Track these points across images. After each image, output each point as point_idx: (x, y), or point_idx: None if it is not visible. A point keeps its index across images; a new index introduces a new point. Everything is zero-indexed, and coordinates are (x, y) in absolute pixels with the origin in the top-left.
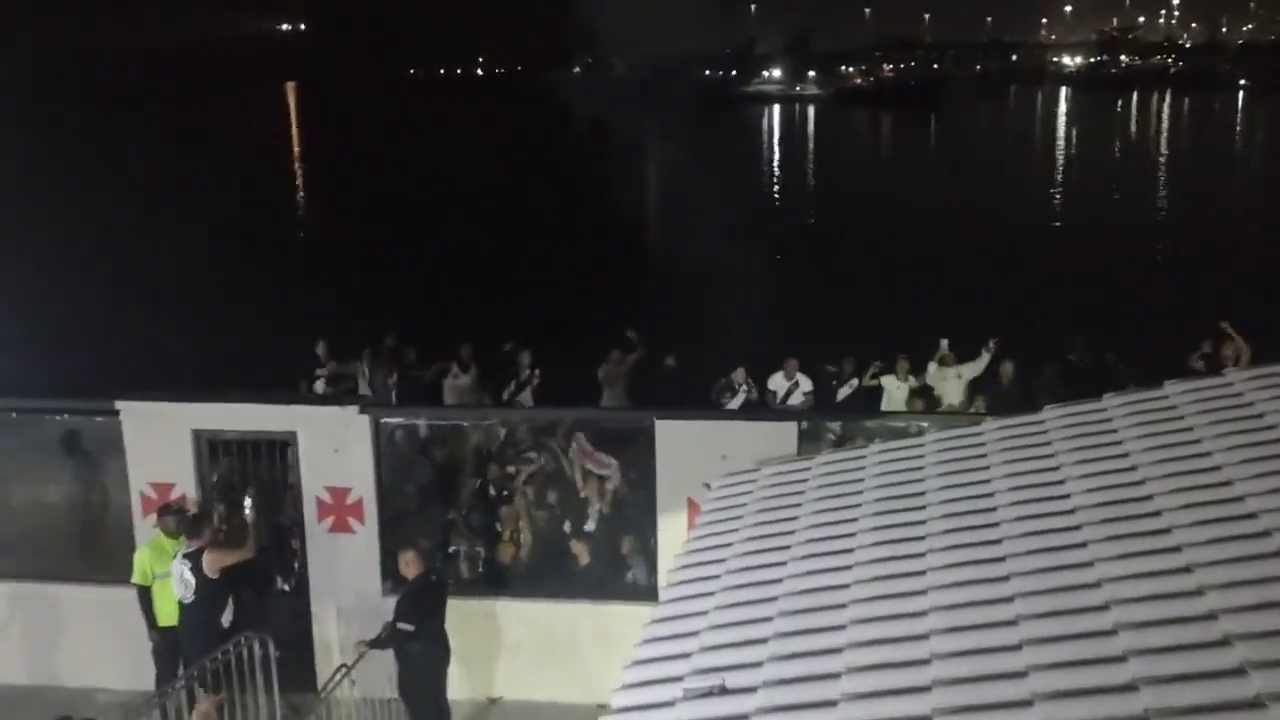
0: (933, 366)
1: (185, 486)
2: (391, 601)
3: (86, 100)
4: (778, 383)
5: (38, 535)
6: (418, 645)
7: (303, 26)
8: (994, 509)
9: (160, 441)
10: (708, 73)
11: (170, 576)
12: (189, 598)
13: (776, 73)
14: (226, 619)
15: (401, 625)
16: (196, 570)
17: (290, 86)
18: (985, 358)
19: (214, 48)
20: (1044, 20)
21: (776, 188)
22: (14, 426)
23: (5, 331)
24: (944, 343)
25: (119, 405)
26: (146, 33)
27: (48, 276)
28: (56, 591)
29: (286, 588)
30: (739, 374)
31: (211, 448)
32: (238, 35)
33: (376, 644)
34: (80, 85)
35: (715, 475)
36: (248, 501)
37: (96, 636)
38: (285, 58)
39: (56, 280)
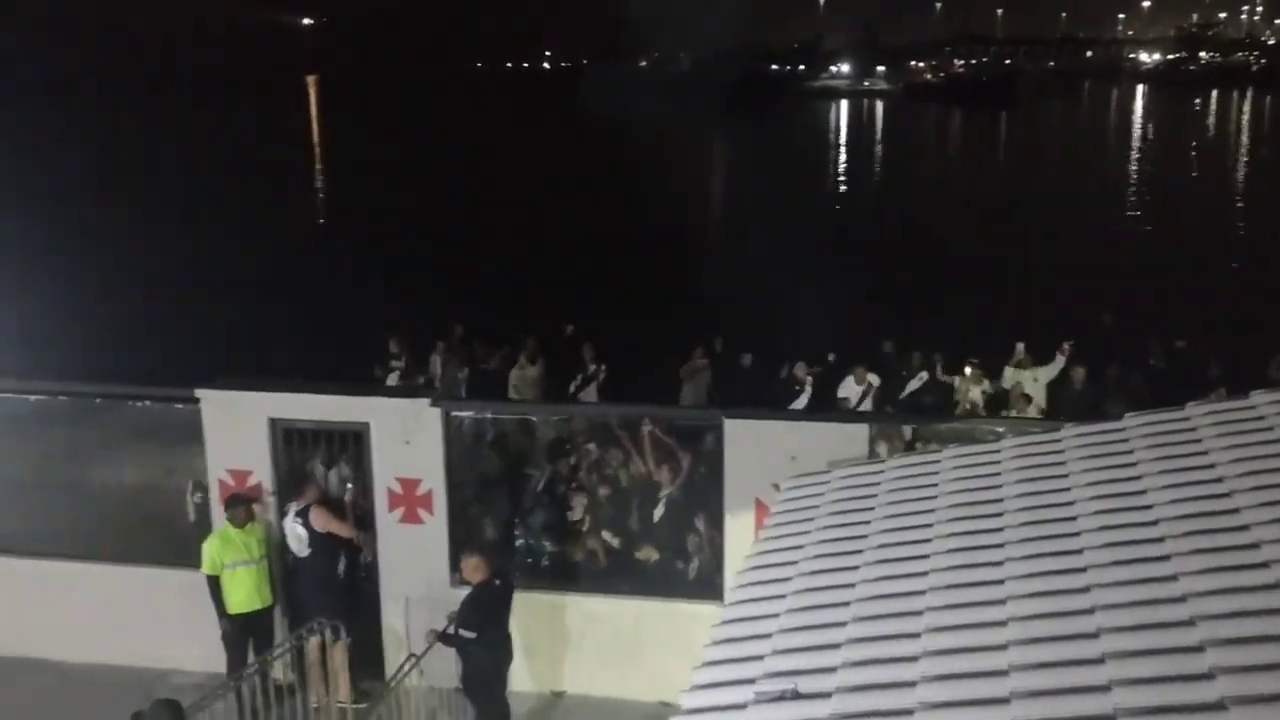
0: (1009, 369)
1: (261, 474)
2: (460, 593)
3: (123, 91)
4: (849, 389)
5: (117, 518)
6: (480, 647)
7: (323, 20)
8: (1074, 518)
9: (238, 429)
10: (774, 67)
11: (287, 534)
12: (305, 551)
13: (844, 67)
14: (341, 569)
15: (464, 632)
16: (308, 525)
17: (314, 80)
18: (1060, 361)
19: (246, 40)
20: (1121, 16)
21: (843, 183)
22: (96, 412)
23: (86, 321)
24: (1020, 346)
25: (199, 393)
26: (178, 22)
27: (119, 270)
28: (134, 574)
29: (360, 575)
30: (800, 369)
31: (287, 436)
32: (272, 28)
33: (443, 639)
34: (113, 75)
35: (784, 476)
36: (348, 488)
37: (173, 619)
38: (328, 51)
39: (125, 274)
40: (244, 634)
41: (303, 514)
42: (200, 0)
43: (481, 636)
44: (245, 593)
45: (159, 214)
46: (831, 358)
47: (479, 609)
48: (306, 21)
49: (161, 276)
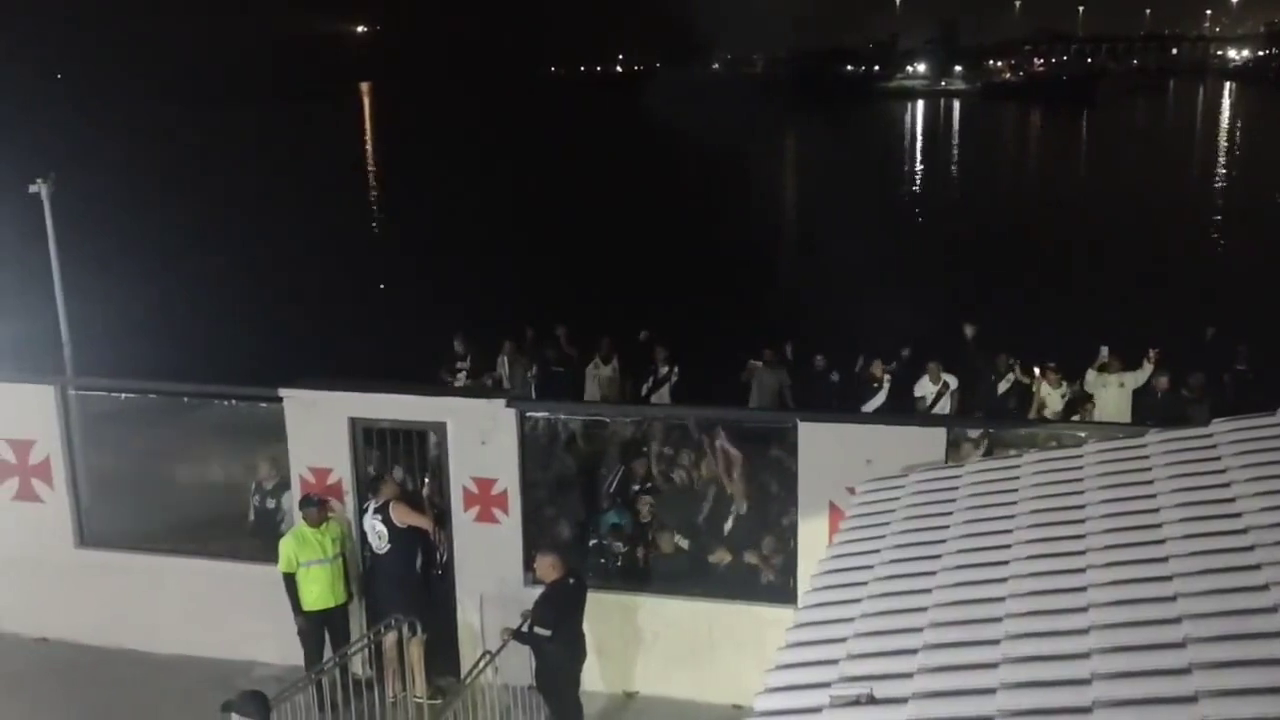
0: (1091, 374)
1: (341, 471)
2: (533, 592)
3: (181, 99)
4: (925, 388)
5: (203, 514)
6: (555, 646)
7: (376, 27)
8: (1159, 525)
9: (319, 428)
10: (849, 68)
11: (366, 531)
12: (384, 548)
13: (921, 67)
14: (419, 565)
15: (539, 630)
16: (387, 521)
17: (372, 86)
18: (1148, 368)
19: (310, 47)
20: (1208, 12)
21: (919, 185)
22: (184, 410)
23: (172, 323)
24: (1104, 350)
25: (282, 392)
26: (254, 29)
27: (183, 274)
28: (219, 568)
29: (436, 573)
30: (876, 367)
31: (366, 435)
32: (326, 35)
33: (518, 636)
34: (179, 84)
35: (859, 479)
36: (425, 482)
37: (255, 613)
38: (389, 58)
39: (190, 277)
40: (319, 630)
41: (381, 510)
42: (257, 9)
43: (556, 634)
44: (320, 590)
45: (228, 219)
46: (905, 352)
47: (554, 607)
48: (360, 29)
49: (230, 281)
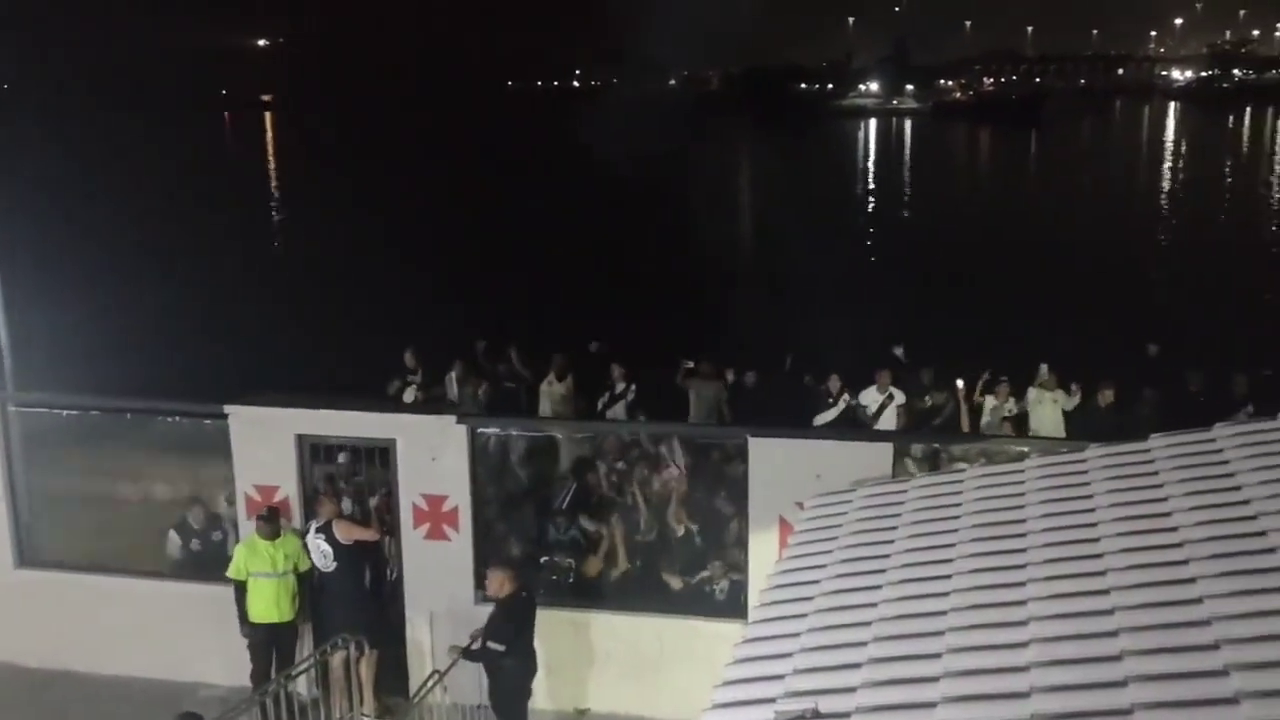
0: (1033, 391)
1: (288, 489)
2: (483, 610)
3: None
4: (871, 396)
5: (147, 533)
6: (510, 660)
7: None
8: (1098, 539)
9: (265, 445)
10: (804, 86)
11: (311, 551)
12: (330, 567)
13: (873, 86)
14: (368, 581)
15: (492, 645)
16: (331, 540)
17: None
18: (1077, 397)
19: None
20: (1153, 33)
21: (871, 203)
22: (127, 427)
23: (108, 336)
24: (1044, 367)
25: (227, 409)
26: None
27: (140, 286)
28: (163, 588)
29: (384, 592)
30: (833, 382)
31: (314, 452)
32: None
33: (468, 654)
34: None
35: (808, 494)
36: (373, 500)
37: (200, 633)
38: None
39: (152, 289)
40: (266, 642)
41: (324, 529)
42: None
43: (511, 649)
44: (264, 604)
45: (157, 231)
46: (903, 351)
47: (509, 622)
48: (262, 42)
49: (171, 295)
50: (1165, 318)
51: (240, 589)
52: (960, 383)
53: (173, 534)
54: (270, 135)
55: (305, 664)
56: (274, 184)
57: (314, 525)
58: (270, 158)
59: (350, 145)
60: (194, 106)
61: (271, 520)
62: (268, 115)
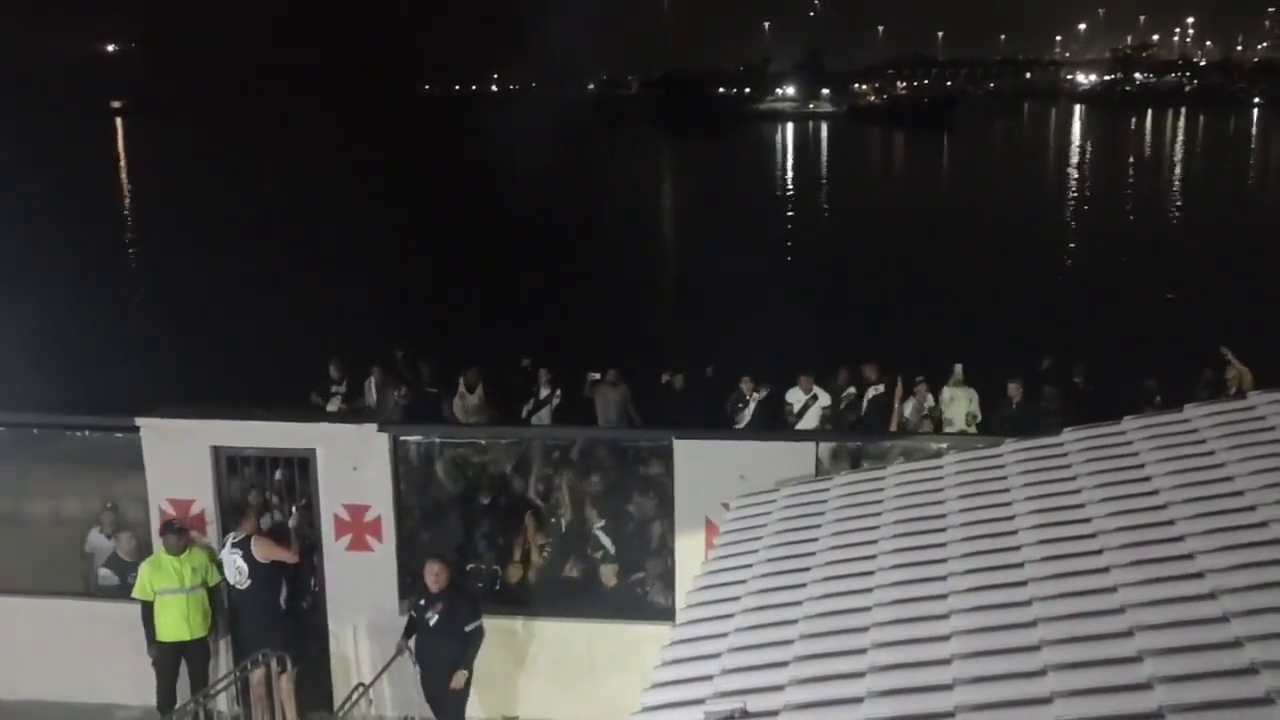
0: (946, 390)
1: (204, 502)
2: (399, 622)
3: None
4: (795, 396)
5: (57, 550)
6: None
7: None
8: (1015, 531)
9: (180, 458)
10: (721, 90)
11: (225, 565)
12: (244, 584)
13: (790, 90)
14: (283, 600)
15: (470, 628)
16: (248, 557)
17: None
18: (974, 396)
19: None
20: (1058, 38)
21: (790, 206)
22: (34, 442)
23: (22, 351)
24: (958, 367)
25: (139, 422)
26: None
27: (55, 296)
28: (73, 607)
29: (305, 605)
30: (745, 383)
31: (231, 464)
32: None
33: (469, 663)
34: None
35: (734, 495)
36: (293, 511)
37: (112, 652)
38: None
39: (65, 300)
40: (173, 662)
41: (241, 545)
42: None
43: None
44: (173, 621)
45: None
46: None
47: (466, 598)
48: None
49: (89, 303)
50: (1070, 313)
51: (147, 609)
52: (900, 382)
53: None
54: (127, 141)
55: (225, 681)
56: (154, 193)
57: (231, 539)
58: (123, 165)
59: (238, 150)
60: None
61: (178, 534)
62: (118, 121)
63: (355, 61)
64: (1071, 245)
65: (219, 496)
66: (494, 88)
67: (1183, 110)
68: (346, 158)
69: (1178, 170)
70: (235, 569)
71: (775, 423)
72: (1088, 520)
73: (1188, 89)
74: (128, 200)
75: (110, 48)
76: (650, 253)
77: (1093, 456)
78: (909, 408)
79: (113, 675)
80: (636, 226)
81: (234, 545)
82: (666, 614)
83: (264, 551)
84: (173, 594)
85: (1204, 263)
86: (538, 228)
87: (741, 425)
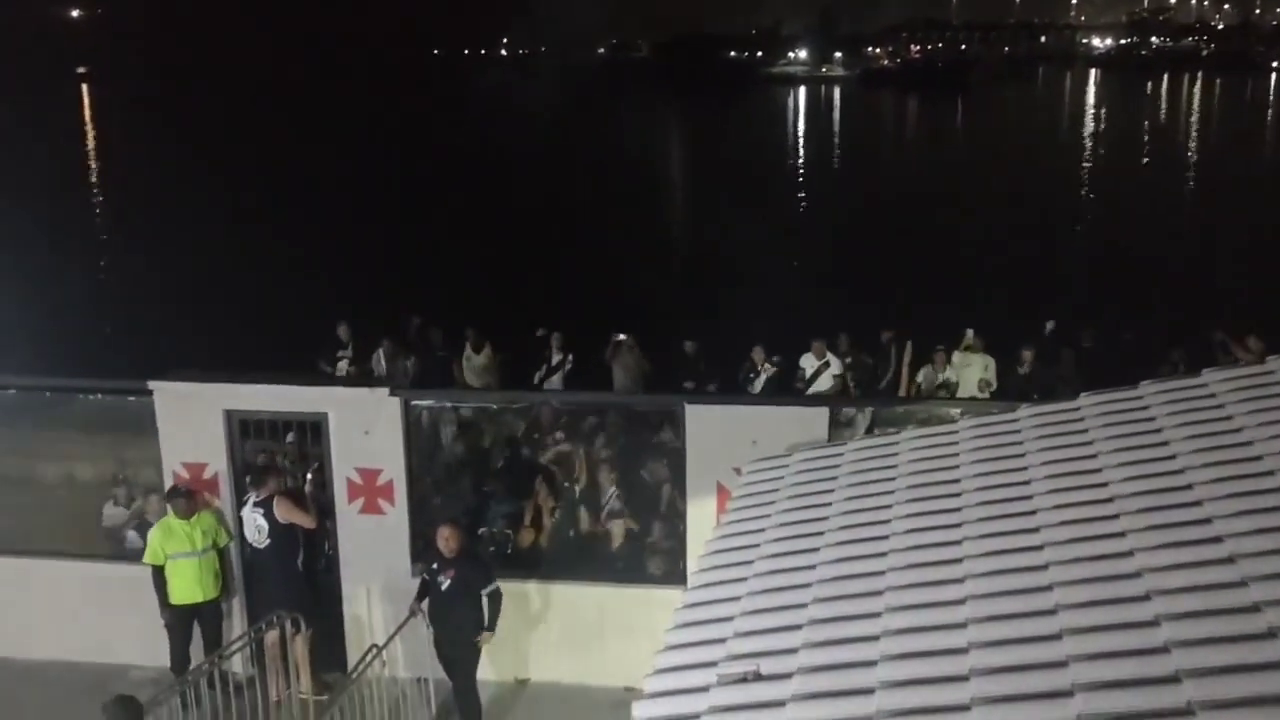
0: (957, 354)
1: (217, 466)
2: (412, 584)
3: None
4: (807, 362)
5: (70, 514)
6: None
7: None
8: (1031, 497)
9: (192, 421)
10: (732, 54)
11: (245, 523)
12: (263, 543)
13: (802, 54)
14: (300, 562)
15: (487, 591)
16: (269, 516)
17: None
18: (991, 363)
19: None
20: (1073, 1)
21: (801, 171)
22: (48, 406)
23: (37, 315)
24: (969, 332)
25: (152, 385)
26: None
27: (68, 265)
28: (89, 569)
29: (320, 567)
30: (757, 353)
31: (244, 428)
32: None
33: (492, 624)
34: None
35: (745, 460)
36: (308, 478)
37: (128, 614)
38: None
39: (79, 269)
40: (186, 625)
41: (264, 504)
42: None
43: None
44: (186, 584)
45: (87, 210)
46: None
47: (481, 561)
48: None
49: (101, 271)
50: (1084, 279)
51: (158, 573)
52: (908, 354)
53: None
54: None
55: (239, 642)
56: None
57: (253, 498)
58: (90, 133)
59: (221, 118)
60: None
61: (187, 498)
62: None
63: (359, 27)
64: (1085, 211)
65: (232, 460)
66: (503, 52)
67: (1199, 75)
68: (348, 123)
69: (1194, 136)
70: (255, 527)
71: (787, 390)
72: (1104, 485)
73: (1205, 53)
74: (110, 169)
75: (74, 13)
76: (661, 218)
77: (1110, 422)
78: (921, 376)
79: (129, 636)
80: (647, 192)
81: (255, 504)
82: (678, 578)
83: (284, 512)
84: (185, 557)
85: (1220, 229)
86: (548, 193)
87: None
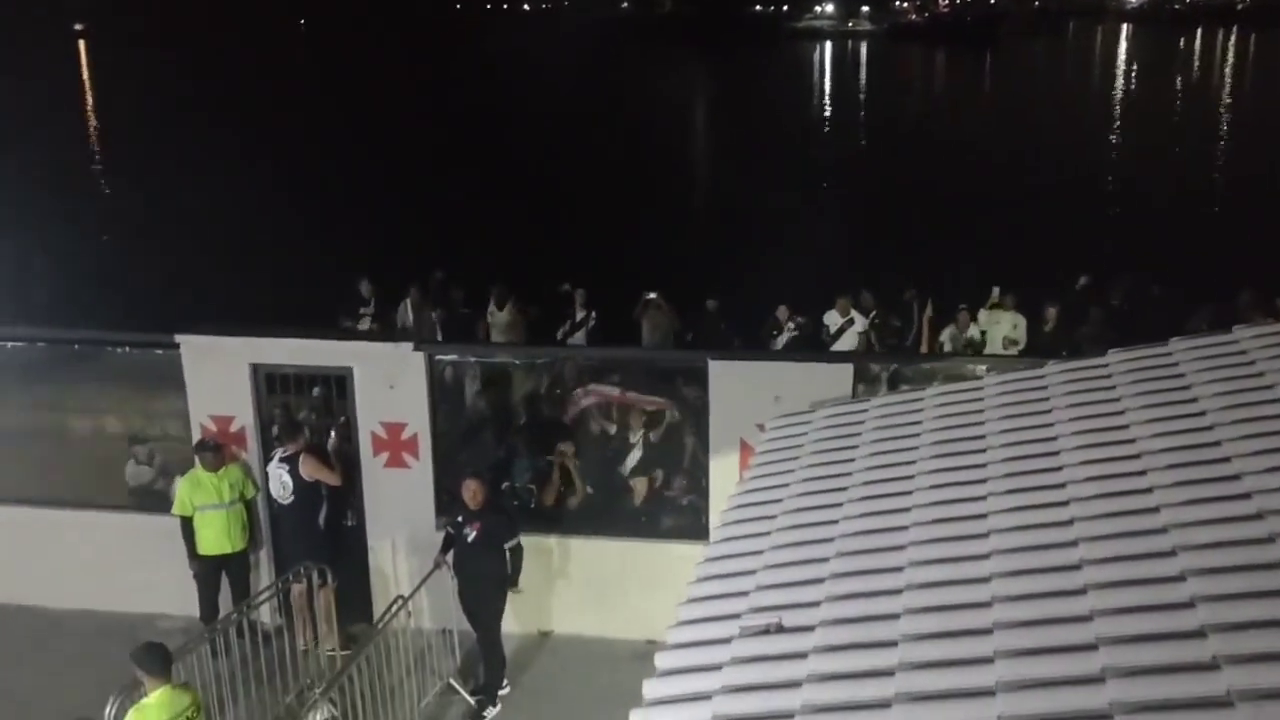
0: (984, 312)
1: (244, 419)
2: (437, 538)
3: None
4: (831, 319)
5: (98, 465)
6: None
7: None
8: (1058, 453)
9: (219, 375)
10: (757, 7)
11: (270, 479)
12: (287, 499)
13: (828, 8)
14: (322, 519)
15: (509, 545)
16: (294, 473)
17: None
18: (1020, 321)
19: None
20: None
21: (827, 127)
22: (77, 359)
23: (64, 269)
24: (995, 290)
25: (179, 339)
26: None
27: (97, 219)
28: (118, 520)
29: (348, 522)
30: (781, 311)
31: (269, 381)
32: None
33: (515, 579)
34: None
35: (769, 416)
36: (332, 433)
37: (157, 564)
38: None
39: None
40: (214, 575)
41: (290, 460)
42: None
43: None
44: (214, 535)
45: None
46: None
47: (504, 515)
48: None
49: (113, 227)
50: (1114, 235)
51: (186, 524)
52: (929, 311)
53: (130, 466)
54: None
55: (266, 593)
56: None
57: (279, 453)
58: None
59: (233, 73)
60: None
61: (214, 451)
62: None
63: None
64: (1116, 169)
65: (258, 413)
66: (525, 6)
67: (1234, 29)
68: (369, 79)
69: (1228, 91)
70: (280, 483)
71: (811, 346)
72: (1132, 441)
73: (1240, 6)
74: (118, 124)
75: None
76: (686, 174)
77: (1138, 378)
78: (946, 334)
79: (157, 586)
80: (671, 148)
81: (281, 460)
82: (700, 534)
83: (310, 470)
84: (213, 509)
85: (1252, 187)
86: (571, 149)
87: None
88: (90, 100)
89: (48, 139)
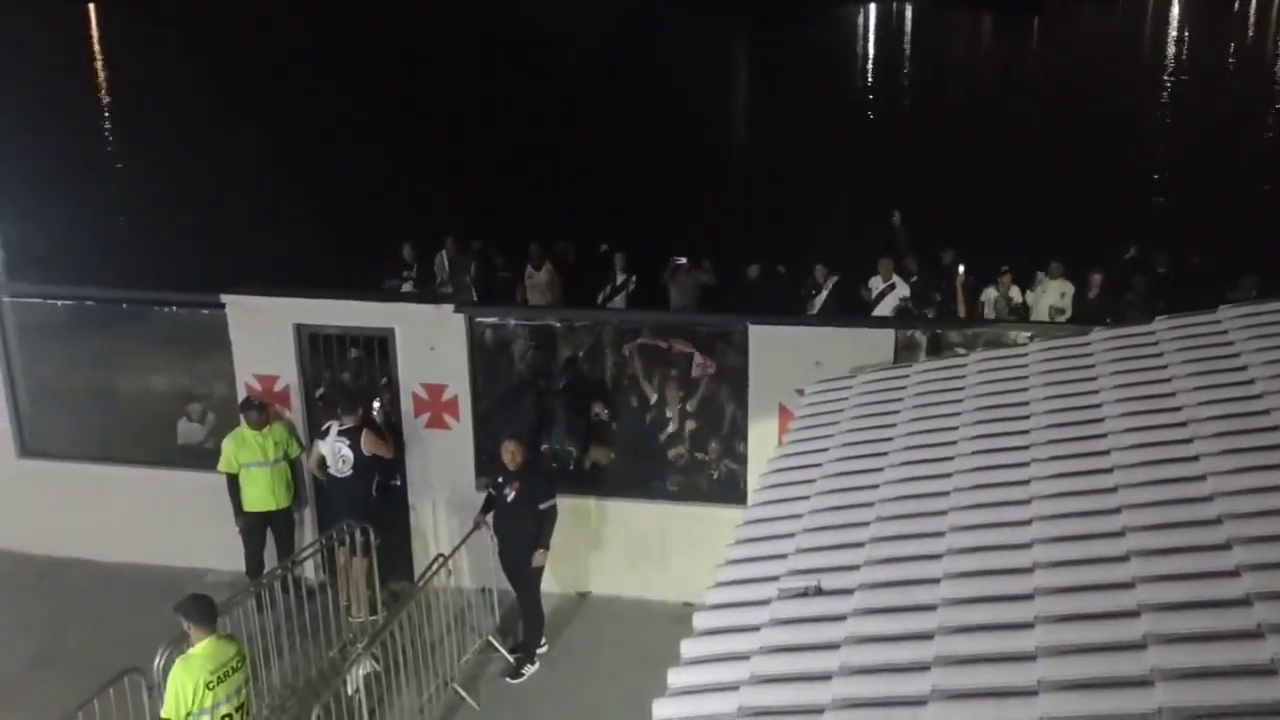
0: (1039, 278)
1: (288, 379)
2: (477, 498)
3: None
4: (874, 283)
5: (147, 423)
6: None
7: None
8: (1102, 419)
9: (263, 335)
10: None
11: (327, 453)
12: (346, 472)
13: None
14: (374, 488)
15: (544, 505)
16: (354, 447)
17: None
18: (1068, 290)
19: None
20: None
21: (871, 93)
22: (124, 318)
23: (112, 230)
24: (1054, 264)
25: (224, 299)
26: None
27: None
28: (167, 476)
29: (396, 483)
30: (819, 271)
31: (313, 342)
32: None
33: (545, 541)
34: None
35: (808, 381)
36: (376, 404)
37: (203, 519)
38: None
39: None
40: (259, 530)
41: (350, 434)
42: None
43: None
44: (259, 492)
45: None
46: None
47: (540, 475)
48: None
49: (162, 189)
50: (1164, 204)
51: (232, 481)
52: (961, 270)
53: (182, 424)
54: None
55: (310, 549)
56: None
57: (337, 426)
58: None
59: (254, 41)
60: None
61: (259, 409)
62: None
63: None
64: (1166, 137)
65: (302, 373)
66: None
67: None
68: (406, 45)
69: None
70: (340, 457)
71: (850, 310)
72: (1178, 409)
73: None
74: (150, 86)
75: None
76: (727, 140)
77: (1185, 345)
78: (985, 298)
79: (204, 541)
80: (712, 113)
81: (341, 433)
82: (738, 498)
83: (371, 445)
84: (258, 467)
85: None
86: (610, 114)
87: (813, 313)
88: (108, 68)
89: (77, 105)
